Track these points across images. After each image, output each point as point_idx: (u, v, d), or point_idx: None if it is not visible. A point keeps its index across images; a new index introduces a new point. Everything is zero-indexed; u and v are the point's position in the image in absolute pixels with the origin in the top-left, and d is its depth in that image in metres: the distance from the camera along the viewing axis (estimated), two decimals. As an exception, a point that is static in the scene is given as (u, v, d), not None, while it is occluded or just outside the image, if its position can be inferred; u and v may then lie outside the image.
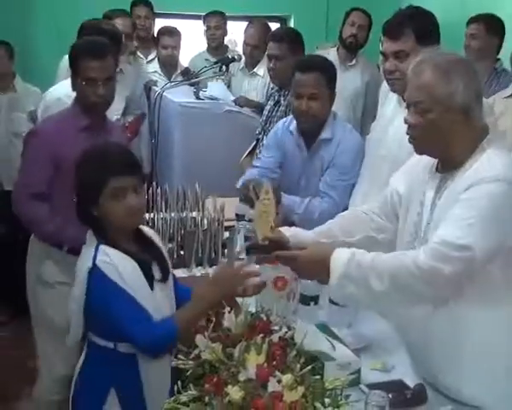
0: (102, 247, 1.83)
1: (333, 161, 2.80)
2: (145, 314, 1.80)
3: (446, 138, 1.76)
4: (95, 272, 1.79)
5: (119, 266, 1.79)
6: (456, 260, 1.65)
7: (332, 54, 4.24)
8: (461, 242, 1.65)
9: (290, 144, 2.97)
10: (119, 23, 3.98)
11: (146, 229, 2.05)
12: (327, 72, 2.84)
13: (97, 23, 3.26)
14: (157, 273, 1.93)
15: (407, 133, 1.84)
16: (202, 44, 4.98)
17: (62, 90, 3.09)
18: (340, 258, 1.78)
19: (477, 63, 3.52)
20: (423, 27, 2.33)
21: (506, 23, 3.72)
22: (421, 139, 1.80)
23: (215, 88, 4.11)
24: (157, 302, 1.87)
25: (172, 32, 4.62)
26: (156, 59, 4.75)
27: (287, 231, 2.03)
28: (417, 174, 1.94)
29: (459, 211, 1.69)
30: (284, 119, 3.12)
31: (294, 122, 2.93)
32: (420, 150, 1.86)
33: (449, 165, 1.81)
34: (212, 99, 3.99)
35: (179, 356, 1.78)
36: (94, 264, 1.80)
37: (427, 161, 1.92)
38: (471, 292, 1.72)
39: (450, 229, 1.68)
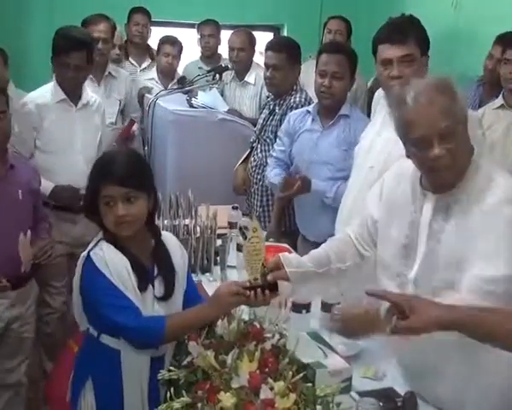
0: (102, 242, 1.91)
1: (357, 141, 2.86)
2: (131, 304, 1.84)
3: (463, 153, 1.73)
4: (87, 262, 1.88)
5: (108, 260, 1.86)
6: (502, 294, 1.65)
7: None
8: (499, 274, 1.64)
9: (307, 123, 3.16)
10: (98, 29, 3.96)
11: (169, 239, 2.07)
12: (350, 56, 3.08)
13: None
14: (159, 290, 1.95)
15: (435, 168, 1.72)
16: (196, 53, 5.00)
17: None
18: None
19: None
20: (422, 35, 2.35)
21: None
22: (449, 169, 1.72)
23: (206, 97, 4.13)
24: (146, 306, 1.90)
25: (174, 42, 4.64)
26: (153, 67, 4.75)
27: (288, 261, 1.99)
28: (399, 194, 1.90)
29: (485, 245, 1.66)
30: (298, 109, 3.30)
31: (312, 104, 3.20)
32: (446, 182, 1.76)
33: (443, 184, 1.77)
34: (205, 107, 4.00)
35: (170, 367, 1.80)
36: (88, 254, 1.89)
37: (405, 178, 1.89)
38: None
39: (484, 265, 1.65)
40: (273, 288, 1.92)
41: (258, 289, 1.87)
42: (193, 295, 2.06)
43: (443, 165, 1.70)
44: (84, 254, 1.91)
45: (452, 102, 1.70)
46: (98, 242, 1.93)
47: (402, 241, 1.86)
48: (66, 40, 3.17)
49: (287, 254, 2.06)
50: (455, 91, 1.72)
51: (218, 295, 1.89)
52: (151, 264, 1.96)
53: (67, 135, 3.23)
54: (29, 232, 2.67)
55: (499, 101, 3.44)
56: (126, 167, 1.92)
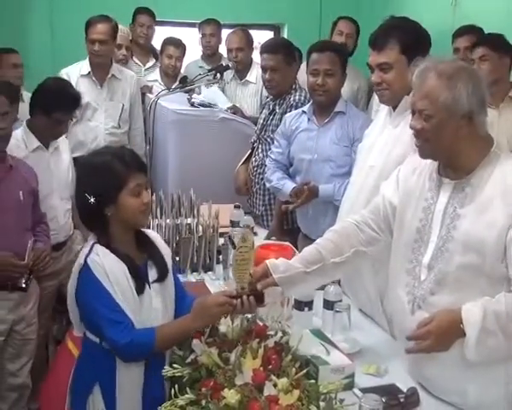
0: (97, 246, 1.89)
1: (355, 137, 2.96)
2: (125, 318, 1.84)
3: (451, 144, 1.80)
4: (84, 269, 1.86)
5: (106, 266, 1.85)
6: None
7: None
8: None
9: (303, 123, 3.19)
10: (95, 31, 3.96)
11: (151, 233, 2.10)
12: (340, 53, 3.14)
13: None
14: (153, 273, 1.97)
15: (415, 137, 1.86)
16: (197, 52, 5.01)
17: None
18: (472, 317, 1.70)
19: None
20: (408, 38, 2.35)
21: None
22: (426, 144, 1.84)
23: (209, 94, 4.13)
24: (145, 308, 1.91)
25: (178, 44, 4.65)
26: (157, 68, 4.77)
27: (275, 268, 1.98)
28: (414, 182, 1.96)
29: None
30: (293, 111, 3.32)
31: (306, 105, 3.21)
32: (425, 155, 1.90)
33: (459, 171, 1.83)
34: (205, 106, 4.00)
35: (174, 365, 1.82)
36: (85, 261, 1.87)
37: (423, 168, 1.95)
38: (473, 299, 1.74)
39: None
40: (259, 297, 1.93)
41: (245, 298, 1.88)
42: (180, 291, 2.08)
43: (416, 137, 1.86)
44: (81, 261, 1.89)
45: (443, 91, 1.75)
46: (92, 246, 1.90)
47: (416, 224, 1.91)
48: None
49: (273, 260, 2.03)
50: (456, 82, 1.75)
51: (204, 306, 1.88)
52: (141, 257, 1.97)
53: (45, 181, 3.06)
54: (32, 239, 2.68)
55: None
56: (140, 157, 1.97)
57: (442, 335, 1.73)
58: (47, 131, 3.08)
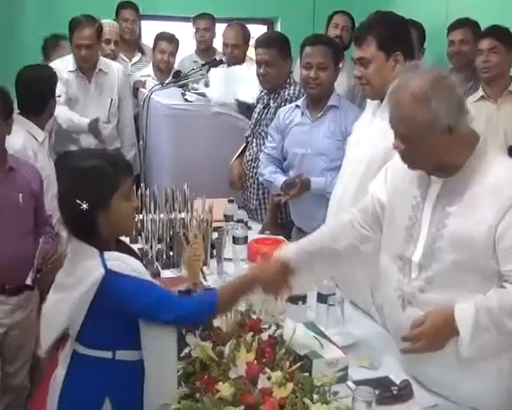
0: (107, 254, 1.74)
1: (348, 131, 2.96)
2: (171, 294, 1.79)
3: (435, 156, 1.79)
4: (110, 278, 1.70)
5: (133, 265, 1.75)
6: None
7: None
8: None
9: (296, 117, 3.21)
10: (81, 36, 3.93)
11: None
12: (332, 46, 3.20)
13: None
14: None
15: (399, 153, 1.87)
16: (190, 47, 5.00)
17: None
18: (465, 314, 1.71)
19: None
20: (385, 34, 2.37)
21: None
22: (410, 161, 1.85)
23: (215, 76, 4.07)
24: None
25: (171, 39, 4.63)
26: (148, 63, 4.75)
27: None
28: (402, 179, 1.96)
29: None
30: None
31: (300, 99, 3.24)
32: (411, 168, 1.89)
33: (446, 171, 1.83)
34: (200, 96, 3.99)
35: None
36: (107, 270, 1.70)
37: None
38: (463, 296, 1.75)
39: None
40: None
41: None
42: None
43: (400, 154, 1.86)
44: (99, 272, 1.69)
45: (420, 113, 1.72)
46: (102, 254, 1.73)
47: (405, 223, 1.90)
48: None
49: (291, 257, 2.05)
50: (431, 101, 1.72)
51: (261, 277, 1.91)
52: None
53: (49, 170, 3.01)
54: (42, 237, 2.65)
55: (479, 93, 3.44)
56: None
57: (435, 335, 1.73)
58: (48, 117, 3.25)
